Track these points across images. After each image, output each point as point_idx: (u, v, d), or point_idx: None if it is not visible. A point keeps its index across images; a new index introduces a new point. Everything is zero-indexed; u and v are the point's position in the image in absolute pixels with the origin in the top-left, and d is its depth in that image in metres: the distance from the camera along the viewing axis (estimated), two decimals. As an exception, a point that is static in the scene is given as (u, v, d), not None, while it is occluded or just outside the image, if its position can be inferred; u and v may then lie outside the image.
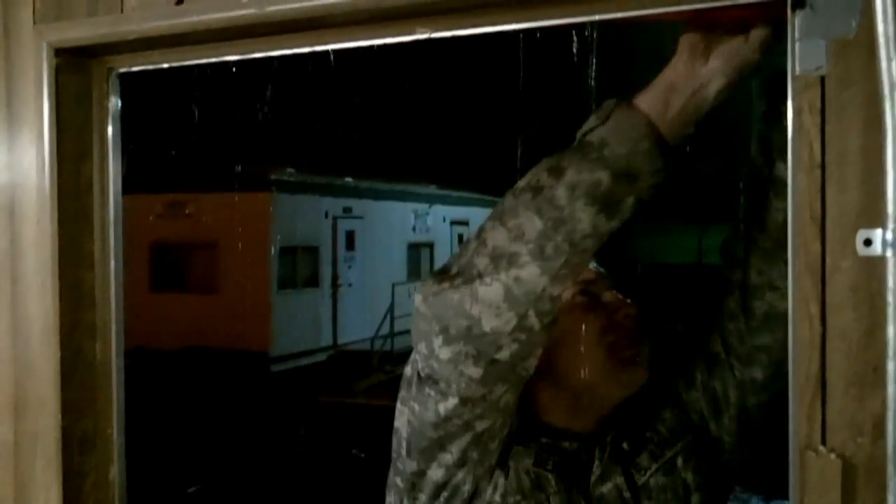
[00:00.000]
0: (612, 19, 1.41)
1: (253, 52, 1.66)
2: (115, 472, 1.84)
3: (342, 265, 19.12)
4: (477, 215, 24.53)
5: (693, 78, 1.40)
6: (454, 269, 1.46)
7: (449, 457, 1.56)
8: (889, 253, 1.15)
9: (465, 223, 23.72)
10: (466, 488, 1.58)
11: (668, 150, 1.41)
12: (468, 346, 1.45)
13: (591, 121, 1.43)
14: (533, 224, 1.39)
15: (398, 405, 1.62)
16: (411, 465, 1.60)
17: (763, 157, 1.58)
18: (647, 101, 1.41)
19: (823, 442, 1.23)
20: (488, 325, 1.42)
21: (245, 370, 15.23)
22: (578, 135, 1.44)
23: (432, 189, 22.64)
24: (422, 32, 1.50)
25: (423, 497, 1.60)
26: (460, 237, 23.66)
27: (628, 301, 1.68)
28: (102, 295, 1.81)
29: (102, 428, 1.82)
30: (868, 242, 1.18)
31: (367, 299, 19.29)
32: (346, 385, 15.26)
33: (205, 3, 1.58)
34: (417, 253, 22.06)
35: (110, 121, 1.81)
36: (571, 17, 1.43)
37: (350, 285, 19.11)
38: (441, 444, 1.56)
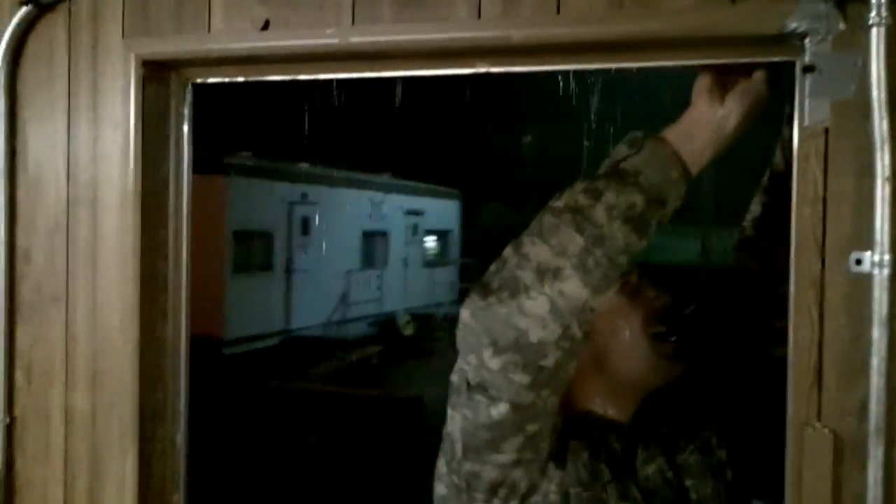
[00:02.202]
0: (641, 67, 1.68)
1: (324, 73, 1.88)
2: (181, 439, 2.05)
3: (296, 251, 19.15)
4: (431, 206, 24.67)
5: (713, 117, 1.59)
6: (496, 284, 1.55)
7: (503, 457, 1.63)
8: (875, 271, 1.44)
9: (419, 213, 23.82)
10: (523, 485, 1.67)
11: (690, 178, 1.60)
12: (516, 357, 1.53)
13: (623, 150, 1.59)
14: (575, 241, 1.51)
15: (449, 410, 1.71)
16: (467, 466, 1.69)
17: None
18: (674, 135, 1.59)
19: (819, 420, 1.49)
20: (535, 336, 1.51)
21: (198, 352, 15.21)
22: (608, 162, 1.60)
23: (388, 178, 22.73)
24: (481, 66, 1.74)
25: (479, 495, 1.70)
26: (415, 227, 23.77)
27: (663, 293, 1.81)
28: (175, 282, 2.02)
29: (171, 400, 2.03)
30: (859, 262, 1.46)
31: (321, 285, 19.37)
32: (299, 371, 15.33)
33: (289, 30, 1.80)
34: (372, 241, 22.15)
35: (186, 125, 2.02)
36: (600, 63, 1.71)
37: (304, 271, 19.17)
38: (495, 446, 1.63)
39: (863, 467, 1.46)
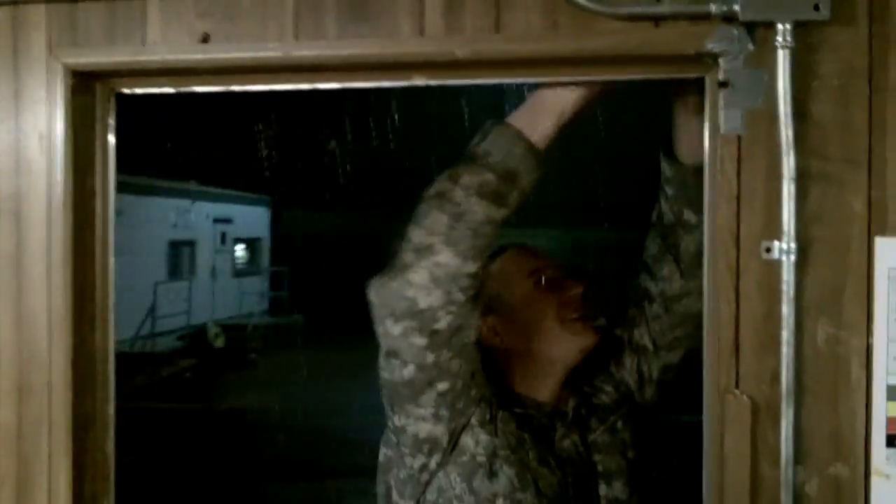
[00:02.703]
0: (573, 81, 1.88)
1: (263, 85, 1.96)
2: (111, 446, 2.09)
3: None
4: (240, 213, 24.37)
5: (555, 101, 1.91)
6: (390, 266, 1.91)
7: (422, 411, 2.00)
8: (783, 257, 1.67)
9: (228, 221, 23.49)
10: (444, 440, 2.01)
11: (538, 153, 1.91)
12: (412, 322, 1.89)
13: (476, 138, 1.92)
14: (441, 220, 1.85)
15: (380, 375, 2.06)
16: (394, 420, 2.05)
17: (674, 211, 2.13)
18: (518, 118, 1.93)
19: (737, 387, 1.71)
20: (423, 303, 1.87)
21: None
22: (467, 150, 1.93)
23: (195, 185, 22.34)
24: (418, 80, 1.88)
25: (407, 450, 2.04)
26: (223, 235, 23.43)
27: (576, 282, 2.17)
28: (102, 290, 2.06)
29: (101, 408, 2.07)
30: (769, 250, 1.68)
31: (128, 299, 18.88)
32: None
33: (230, 44, 1.88)
34: (179, 251, 21.73)
35: (111, 135, 2.07)
36: (536, 77, 1.89)
37: (108, 284, 18.50)
38: (413, 400, 1.99)
39: (776, 427, 1.68)
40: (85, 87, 2.01)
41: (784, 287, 1.67)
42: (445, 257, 1.85)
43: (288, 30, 1.86)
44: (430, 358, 1.93)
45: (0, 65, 1.99)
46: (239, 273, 25.22)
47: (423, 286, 1.86)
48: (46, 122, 1.98)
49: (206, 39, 1.90)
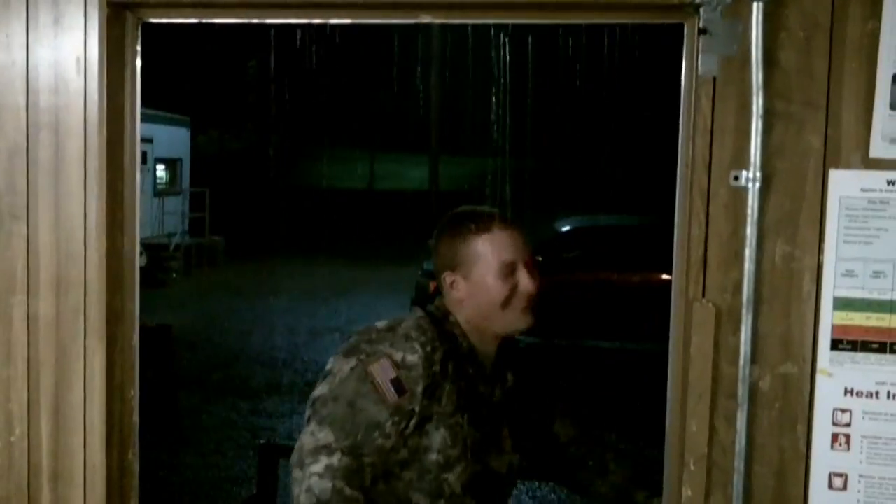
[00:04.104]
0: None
1: (277, 18, 2.18)
2: (136, 339, 2.31)
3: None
4: (160, 133, 24.03)
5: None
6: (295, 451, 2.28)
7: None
8: (750, 185, 1.94)
9: (148, 140, 23.16)
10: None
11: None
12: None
13: None
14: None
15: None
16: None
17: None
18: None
19: (704, 296, 1.98)
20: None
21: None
22: None
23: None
24: (424, 18, 2.10)
25: None
26: (143, 154, 23.17)
27: (536, 280, 2.41)
28: (130, 198, 2.26)
29: (128, 304, 2.28)
30: (737, 178, 1.96)
31: None
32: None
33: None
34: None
35: (138, 60, 2.26)
36: (531, 19, 2.12)
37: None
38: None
39: (736, 331, 1.98)
40: (118, 16, 2.19)
41: (749, 211, 1.95)
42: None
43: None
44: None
45: (40, -1, 2.16)
46: (159, 193, 25.01)
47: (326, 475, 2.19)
48: (83, 46, 2.16)
49: (234, -25, 2.09)
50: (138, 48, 2.25)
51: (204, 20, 2.21)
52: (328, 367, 2.36)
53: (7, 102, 2.19)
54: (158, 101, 23.58)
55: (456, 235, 2.41)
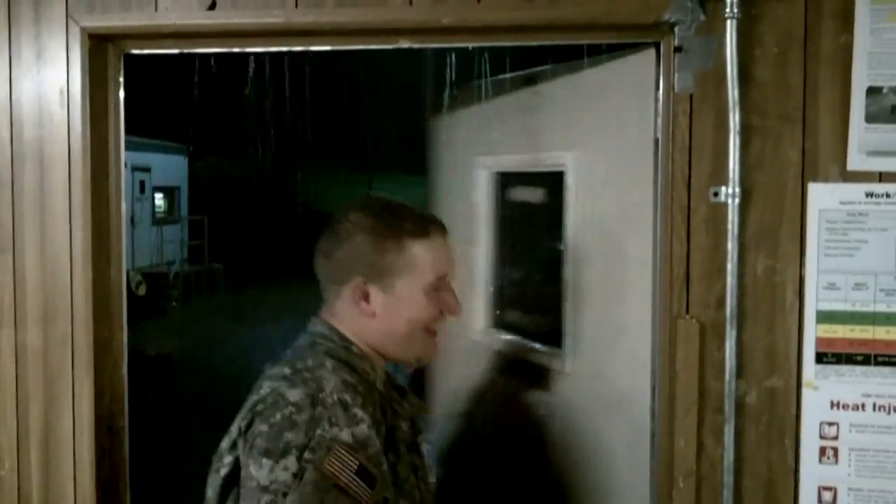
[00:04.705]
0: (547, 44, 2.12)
1: (265, 47, 2.19)
2: (124, 369, 2.31)
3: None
4: (158, 161, 24.07)
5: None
6: None
7: None
8: (729, 200, 1.95)
9: (146, 169, 23.19)
10: None
11: None
12: None
13: None
14: None
15: None
16: None
17: None
18: None
19: (687, 312, 1.99)
20: None
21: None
22: None
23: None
24: (404, 44, 2.12)
25: None
26: (141, 183, 23.17)
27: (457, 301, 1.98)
28: (116, 229, 2.27)
29: (116, 333, 2.29)
30: (716, 194, 1.97)
31: None
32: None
33: (236, 10, 2.09)
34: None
35: (120, 91, 2.27)
36: (513, 41, 2.14)
37: None
38: None
39: (721, 346, 1.98)
40: (99, 48, 2.21)
41: (729, 226, 1.96)
42: None
43: (290, -2, 2.08)
44: None
45: (24, 29, 2.19)
46: (158, 222, 25.00)
47: None
48: (66, 79, 2.18)
49: (213, 6, 2.10)
50: (121, 79, 2.27)
51: (185, 51, 2.23)
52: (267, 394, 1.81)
53: (-9, 135, 2.20)
54: (156, 129, 23.62)
55: (382, 235, 1.89)
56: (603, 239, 2.39)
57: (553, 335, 2.65)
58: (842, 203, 1.96)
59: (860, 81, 1.93)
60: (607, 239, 2.37)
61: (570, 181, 2.53)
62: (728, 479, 1.99)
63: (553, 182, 2.60)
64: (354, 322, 1.91)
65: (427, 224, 1.92)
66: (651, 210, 2.11)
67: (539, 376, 2.70)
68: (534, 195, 2.91)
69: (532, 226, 2.95)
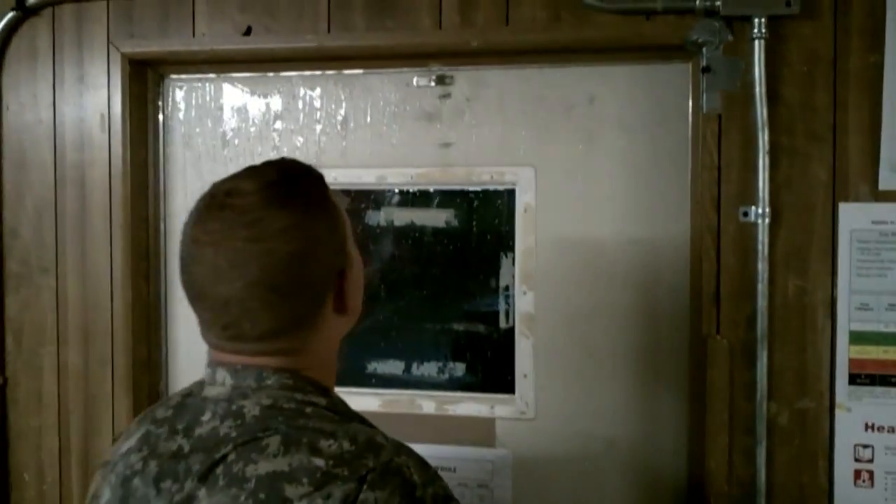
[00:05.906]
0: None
1: (299, 71, 2.23)
2: (164, 387, 2.35)
3: None
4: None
5: None
6: None
7: None
8: (759, 220, 1.93)
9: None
10: None
11: None
12: None
13: None
14: None
15: None
16: None
17: None
18: None
19: (718, 332, 1.97)
20: None
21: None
22: None
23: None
24: (434, 67, 2.14)
25: None
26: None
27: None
28: (154, 249, 2.32)
29: (154, 353, 2.33)
30: (746, 214, 1.94)
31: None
32: None
33: (270, 35, 2.13)
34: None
35: (161, 114, 2.32)
36: (539, 65, 2.13)
37: None
38: None
39: (752, 367, 1.96)
40: (139, 73, 2.26)
41: (759, 246, 1.94)
42: None
43: (322, 23, 2.11)
44: None
45: (67, 55, 2.25)
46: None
47: None
48: (106, 104, 2.23)
49: (248, 32, 2.14)
50: (160, 103, 2.32)
51: (230, 74, 2.27)
52: None
53: (35, 159, 2.27)
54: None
55: (336, 209, 1.31)
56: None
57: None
58: (874, 223, 1.94)
59: (891, 100, 1.90)
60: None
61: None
62: (760, 501, 1.97)
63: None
64: (329, 345, 1.32)
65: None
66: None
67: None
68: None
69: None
